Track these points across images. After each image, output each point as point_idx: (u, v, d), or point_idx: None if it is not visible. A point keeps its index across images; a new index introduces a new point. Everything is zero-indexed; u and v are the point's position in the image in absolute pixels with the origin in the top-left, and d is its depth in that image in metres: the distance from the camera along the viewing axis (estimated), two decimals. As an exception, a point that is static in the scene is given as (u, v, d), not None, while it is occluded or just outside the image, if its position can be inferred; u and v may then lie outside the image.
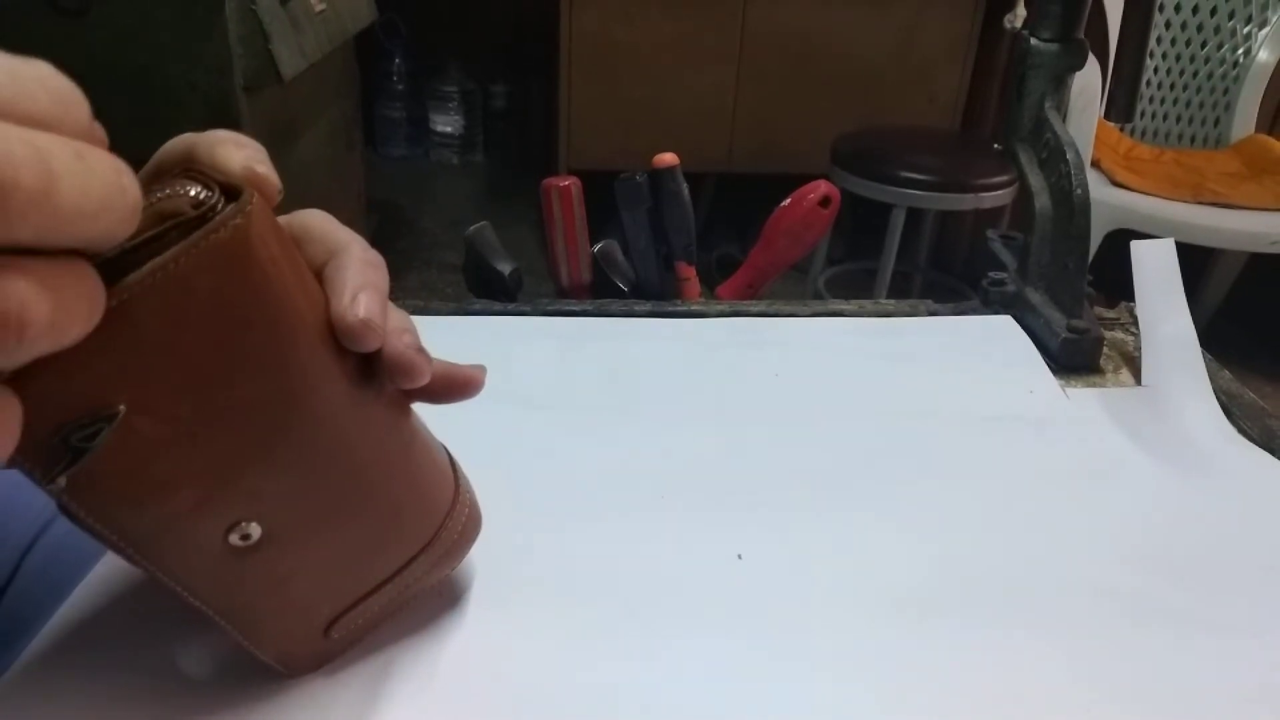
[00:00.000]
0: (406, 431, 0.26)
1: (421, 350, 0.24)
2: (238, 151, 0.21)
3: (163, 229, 0.19)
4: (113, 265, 0.18)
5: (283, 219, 0.24)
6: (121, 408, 0.19)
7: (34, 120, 0.15)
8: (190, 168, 0.21)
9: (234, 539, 0.22)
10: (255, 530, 0.23)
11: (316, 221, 0.25)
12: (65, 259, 0.15)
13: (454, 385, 0.27)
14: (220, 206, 0.19)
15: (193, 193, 0.19)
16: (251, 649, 0.25)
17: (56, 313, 0.15)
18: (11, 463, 0.18)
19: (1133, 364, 0.47)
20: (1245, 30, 1.78)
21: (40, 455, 0.18)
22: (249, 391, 0.21)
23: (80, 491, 0.19)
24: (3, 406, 0.16)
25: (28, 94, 0.15)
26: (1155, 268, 0.47)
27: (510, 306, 0.51)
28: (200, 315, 0.19)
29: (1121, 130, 1.80)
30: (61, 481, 0.19)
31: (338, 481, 0.24)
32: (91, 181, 0.15)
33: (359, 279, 0.23)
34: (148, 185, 0.20)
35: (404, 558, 0.27)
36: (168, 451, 0.20)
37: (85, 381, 0.18)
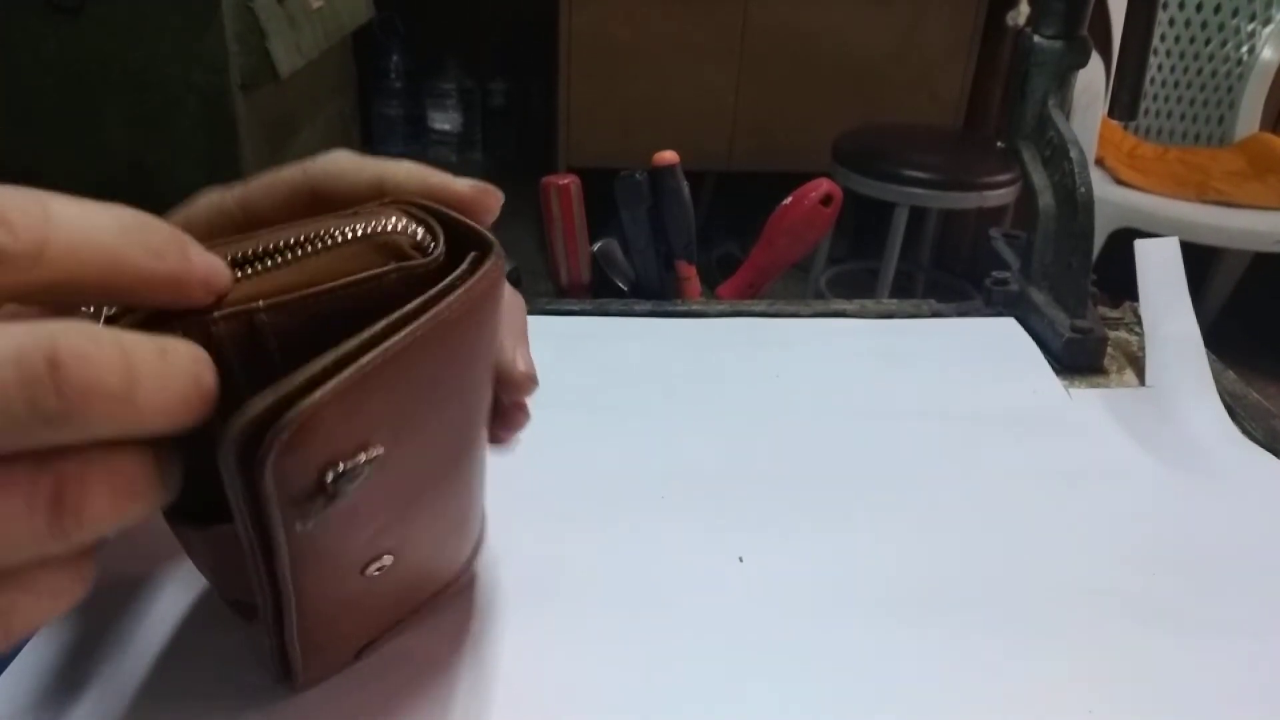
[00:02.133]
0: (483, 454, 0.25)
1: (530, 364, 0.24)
2: (456, 180, 0.22)
3: (385, 270, 0.19)
4: (337, 299, 0.18)
5: (310, 165, 0.23)
6: (381, 449, 0.18)
7: (141, 276, 0.16)
8: (396, 200, 0.21)
9: (371, 570, 0.22)
10: (389, 561, 0.22)
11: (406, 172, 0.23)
12: (127, 450, 0.16)
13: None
14: (436, 246, 0.19)
15: (412, 229, 0.19)
16: (289, 660, 0.23)
17: (117, 502, 0.16)
18: (253, 510, 0.18)
19: (1137, 364, 0.47)
20: (1249, 28, 1.77)
21: (295, 501, 0.18)
22: (452, 421, 0.21)
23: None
24: (76, 575, 0.16)
25: (131, 263, 0.16)
26: (1159, 267, 0.47)
27: (508, 306, 0.50)
28: (450, 353, 0.19)
29: (1125, 128, 1.80)
30: (310, 525, 0.18)
31: (454, 512, 0.24)
32: (172, 381, 0.16)
33: (513, 327, 0.24)
34: (314, 202, 0.20)
35: (442, 584, 0.27)
36: (381, 485, 0.19)
37: (358, 425, 0.18)
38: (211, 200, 0.22)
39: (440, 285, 0.18)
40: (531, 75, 2.47)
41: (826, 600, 0.31)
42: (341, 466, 0.18)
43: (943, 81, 2.08)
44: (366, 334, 0.17)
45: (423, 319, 0.18)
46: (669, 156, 0.51)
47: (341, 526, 0.20)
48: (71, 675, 0.27)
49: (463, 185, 0.21)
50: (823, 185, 0.54)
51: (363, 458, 0.18)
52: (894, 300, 0.53)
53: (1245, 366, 1.64)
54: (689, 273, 0.53)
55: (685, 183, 0.51)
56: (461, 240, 0.20)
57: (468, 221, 0.20)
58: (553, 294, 0.54)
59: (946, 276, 2.02)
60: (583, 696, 0.27)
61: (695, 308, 0.51)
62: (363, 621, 0.25)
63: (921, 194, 1.66)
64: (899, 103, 2.06)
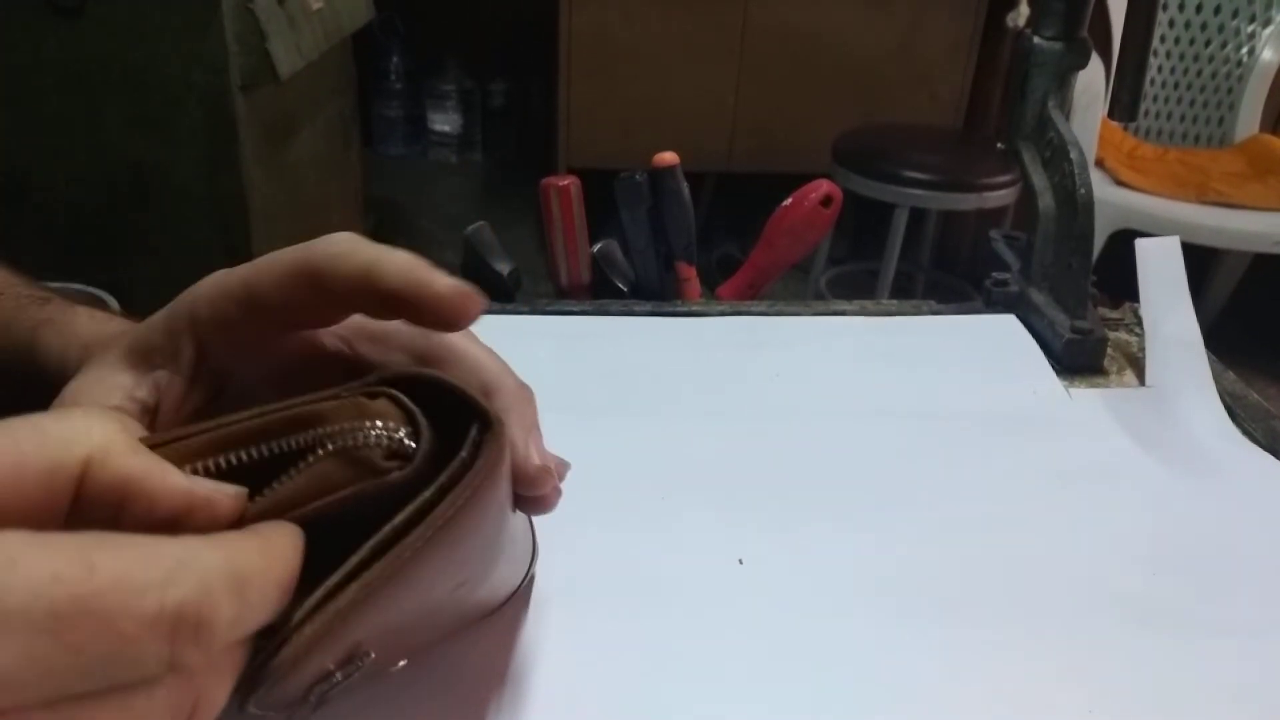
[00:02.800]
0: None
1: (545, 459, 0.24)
2: (438, 280, 0.20)
3: (361, 488, 0.18)
4: (319, 519, 0.17)
5: (312, 247, 0.21)
6: (372, 654, 0.18)
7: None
8: (383, 377, 0.20)
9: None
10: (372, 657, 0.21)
11: (464, 346, 0.24)
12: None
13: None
14: (419, 445, 0.18)
15: (391, 434, 0.18)
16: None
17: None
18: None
19: (1137, 365, 0.47)
20: (1249, 29, 1.77)
21: (285, 708, 0.18)
22: (458, 580, 0.21)
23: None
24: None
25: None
26: (1160, 267, 0.47)
27: (509, 307, 0.50)
28: (451, 546, 0.19)
29: (1125, 129, 1.80)
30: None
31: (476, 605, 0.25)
32: (273, 573, 0.16)
33: (522, 419, 0.23)
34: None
35: (489, 608, 0.28)
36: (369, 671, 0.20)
37: (349, 641, 0.18)
38: (217, 280, 0.22)
39: (433, 486, 0.18)
40: (531, 76, 2.47)
41: (826, 601, 0.31)
42: (331, 681, 0.18)
43: (943, 82, 2.08)
44: (352, 562, 0.17)
45: (412, 536, 0.17)
46: (669, 157, 0.51)
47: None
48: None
49: (443, 286, 0.20)
50: (822, 186, 0.54)
51: (355, 668, 0.18)
52: (894, 301, 0.53)
53: (1245, 367, 1.64)
54: (689, 273, 0.53)
55: (685, 183, 0.51)
56: (460, 410, 0.19)
57: (466, 393, 0.20)
58: (553, 295, 0.54)
59: (946, 277, 2.02)
60: (582, 696, 0.27)
61: (695, 308, 0.51)
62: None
63: (921, 195, 1.66)
64: (899, 103, 2.05)
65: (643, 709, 0.27)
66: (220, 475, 0.18)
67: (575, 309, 0.50)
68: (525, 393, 0.24)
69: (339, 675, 0.18)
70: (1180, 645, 0.29)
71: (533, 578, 0.30)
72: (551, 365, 0.45)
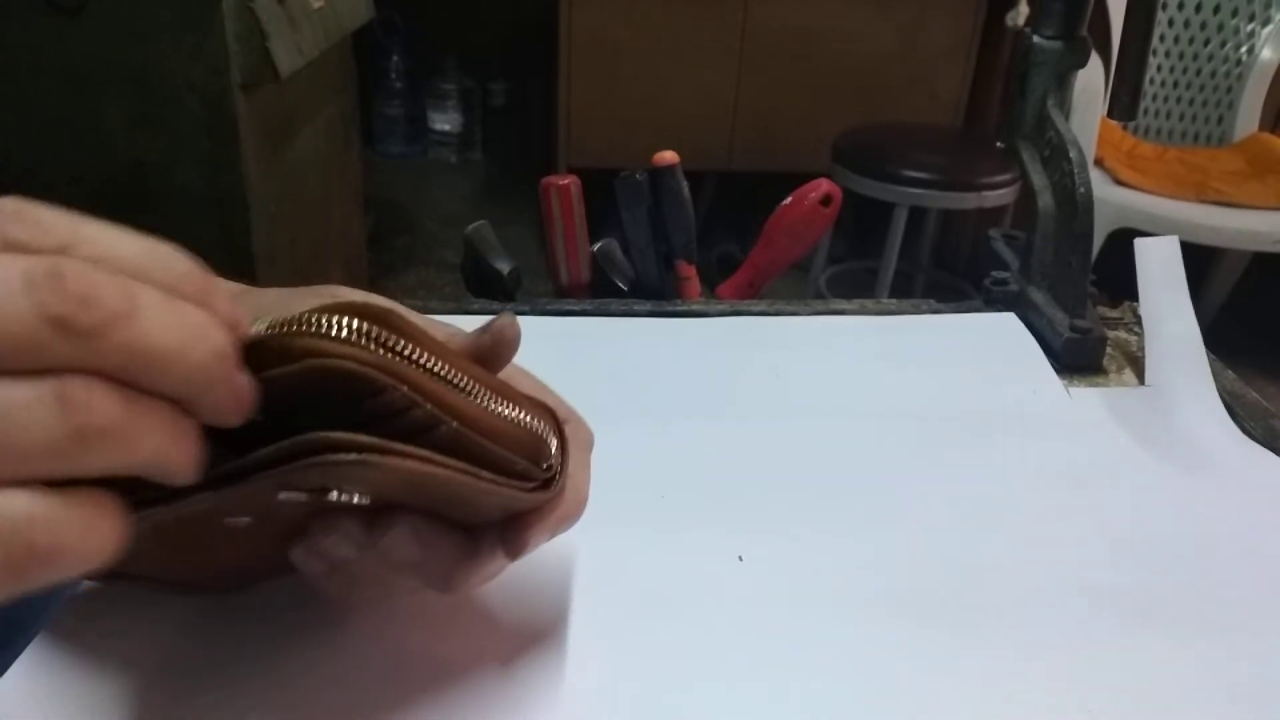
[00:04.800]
0: None
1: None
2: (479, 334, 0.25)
3: (520, 468, 0.22)
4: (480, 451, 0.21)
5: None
6: (358, 499, 0.22)
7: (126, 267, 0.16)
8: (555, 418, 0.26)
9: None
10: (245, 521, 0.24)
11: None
12: (91, 494, 0.16)
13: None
14: (555, 474, 0.25)
15: (554, 456, 0.25)
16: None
17: (129, 420, 0.15)
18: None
19: (1136, 364, 0.47)
20: (1248, 28, 1.77)
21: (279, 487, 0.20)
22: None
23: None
24: (104, 511, 0.16)
25: (163, 267, 0.16)
26: (1159, 266, 0.47)
27: (509, 306, 0.50)
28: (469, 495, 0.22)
29: (1124, 129, 1.80)
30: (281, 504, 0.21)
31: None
32: (175, 319, 0.16)
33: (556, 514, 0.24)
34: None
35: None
36: None
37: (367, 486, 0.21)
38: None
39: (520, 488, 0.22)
40: (532, 75, 2.47)
41: (826, 598, 0.31)
42: (330, 496, 0.21)
43: (942, 82, 2.08)
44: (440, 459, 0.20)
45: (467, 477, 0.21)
46: (669, 156, 0.51)
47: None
48: (72, 675, 0.27)
49: (485, 335, 0.24)
50: (822, 185, 0.54)
51: (349, 499, 0.21)
52: (893, 300, 0.53)
53: (1244, 366, 1.64)
54: (689, 272, 0.53)
55: (685, 183, 0.51)
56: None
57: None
58: (553, 293, 0.54)
59: (946, 276, 2.02)
60: (582, 695, 0.27)
61: (695, 307, 0.51)
62: (188, 557, 0.26)
63: (921, 194, 1.66)
64: (899, 103, 2.05)
65: (642, 705, 0.27)
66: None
67: (575, 308, 0.50)
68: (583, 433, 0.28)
69: (338, 501, 0.21)
70: (1179, 644, 0.29)
71: None
72: (551, 364, 0.45)
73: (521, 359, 0.47)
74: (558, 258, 0.53)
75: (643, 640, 0.29)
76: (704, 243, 0.53)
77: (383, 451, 0.19)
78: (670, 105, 2.05)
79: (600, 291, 0.53)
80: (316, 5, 1.26)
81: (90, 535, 0.15)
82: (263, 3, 1.07)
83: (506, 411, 0.23)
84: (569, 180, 0.52)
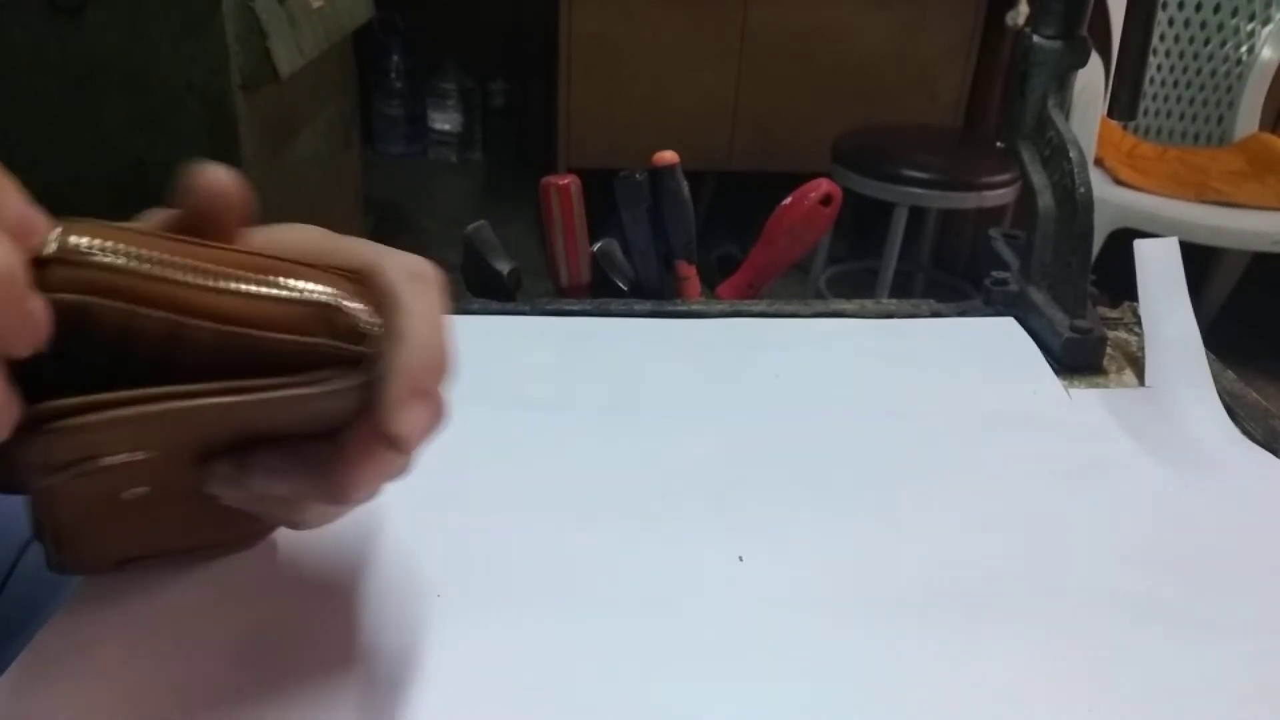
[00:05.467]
0: None
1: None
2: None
3: (315, 342, 0.20)
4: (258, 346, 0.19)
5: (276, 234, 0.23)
6: (141, 454, 0.20)
7: None
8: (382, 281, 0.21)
9: (127, 495, 0.23)
10: (143, 491, 0.23)
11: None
12: None
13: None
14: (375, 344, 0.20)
15: (368, 321, 0.21)
16: (45, 543, 0.25)
17: None
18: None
19: (1136, 364, 0.47)
20: (1249, 28, 1.77)
21: (46, 470, 0.19)
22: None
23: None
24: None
25: None
26: (1159, 267, 0.47)
27: (509, 306, 0.50)
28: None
29: (1125, 128, 1.80)
30: (57, 481, 0.20)
31: None
32: None
33: (415, 372, 0.20)
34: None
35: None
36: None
37: (132, 441, 0.19)
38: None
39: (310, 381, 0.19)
40: (532, 75, 2.47)
41: (826, 599, 0.31)
42: (101, 462, 0.19)
43: (942, 82, 2.08)
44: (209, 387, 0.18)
45: (251, 396, 0.19)
46: (669, 157, 0.51)
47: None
48: (71, 675, 0.27)
49: (191, 197, 0.21)
50: (822, 185, 0.54)
51: (122, 458, 0.19)
52: (893, 300, 0.53)
53: (1244, 366, 1.65)
54: (689, 273, 0.53)
55: (685, 183, 0.51)
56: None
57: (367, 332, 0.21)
58: (553, 294, 0.54)
59: (946, 276, 2.02)
60: (582, 694, 0.27)
61: (695, 308, 0.51)
62: (123, 535, 0.26)
63: (921, 194, 1.66)
64: (898, 103, 2.06)
65: (642, 705, 0.27)
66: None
67: (575, 308, 0.50)
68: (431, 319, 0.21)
69: (108, 462, 0.19)
70: (1180, 644, 0.29)
71: None
72: (552, 364, 0.45)
73: (521, 359, 0.47)
74: (558, 258, 0.53)
75: (642, 640, 0.29)
76: (704, 243, 0.53)
77: (91, 409, 0.17)
78: (670, 105, 2.05)
79: (600, 292, 0.53)
80: (316, 5, 1.26)
81: None
82: (263, 3, 1.07)
83: (271, 291, 0.19)
84: (569, 180, 0.52)
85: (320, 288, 0.20)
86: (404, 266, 0.21)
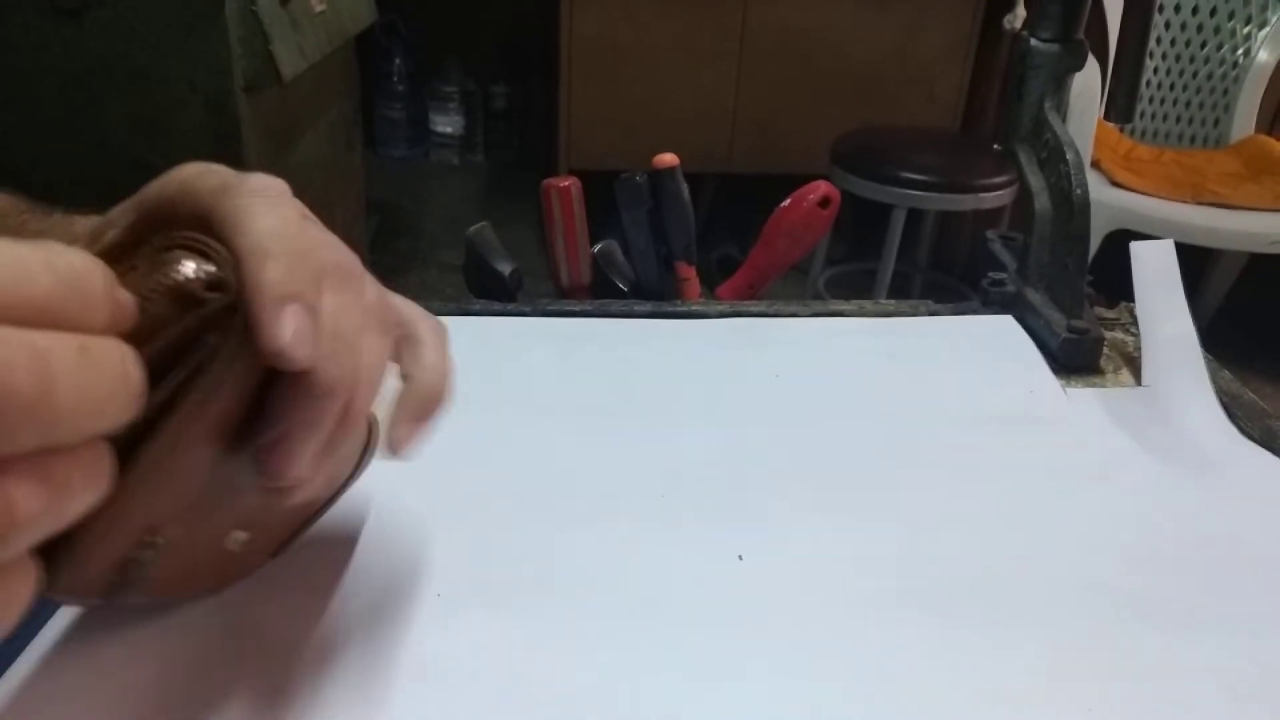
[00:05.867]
0: None
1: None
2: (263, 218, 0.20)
3: (185, 323, 0.19)
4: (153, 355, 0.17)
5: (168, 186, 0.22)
6: (161, 539, 0.19)
7: (35, 306, 0.14)
8: (186, 233, 0.20)
9: (230, 545, 0.24)
10: (243, 536, 0.24)
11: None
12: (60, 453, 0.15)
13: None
14: (227, 280, 0.19)
15: (205, 270, 0.19)
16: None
17: (53, 501, 0.15)
18: (63, 598, 0.18)
19: (1133, 364, 0.47)
20: (1245, 30, 1.78)
21: (95, 590, 0.19)
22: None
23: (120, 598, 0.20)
24: (22, 578, 0.16)
25: (29, 279, 0.14)
26: (1155, 268, 0.47)
27: (510, 307, 0.51)
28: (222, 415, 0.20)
29: (1121, 131, 1.80)
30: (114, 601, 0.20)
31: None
32: (93, 377, 0.15)
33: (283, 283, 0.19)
34: (145, 229, 0.19)
35: (335, 488, 0.28)
36: (185, 531, 0.21)
37: (136, 524, 0.19)
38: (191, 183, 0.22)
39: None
40: (533, 77, 2.47)
41: (825, 598, 0.31)
42: (137, 564, 0.19)
43: (940, 84, 2.08)
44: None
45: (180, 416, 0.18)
46: (669, 158, 0.51)
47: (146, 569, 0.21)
48: (71, 675, 0.27)
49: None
50: (821, 187, 0.54)
51: (151, 548, 0.19)
52: (892, 301, 0.53)
53: (1241, 367, 1.65)
54: (689, 274, 0.54)
55: (685, 184, 0.52)
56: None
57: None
58: (554, 295, 0.54)
59: (944, 278, 2.02)
60: (581, 693, 0.27)
61: (695, 308, 0.51)
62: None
63: (919, 196, 1.66)
64: (897, 105, 2.06)
65: (642, 704, 0.27)
66: None
67: (576, 309, 0.51)
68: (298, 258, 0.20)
69: (142, 556, 0.19)
70: (1178, 643, 0.30)
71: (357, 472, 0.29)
72: (552, 365, 0.45)
73: (523, 360, 0.47)
74: (558, 259, 0.53)
75: (642, 639, 0.29)
76: (704, 244, 0.53)
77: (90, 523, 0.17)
78: (670, 107, 2.05)
79: (601, 293, 0.53)
80: (319, 8, 1.26)
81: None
82: (265, 6, 1.08)
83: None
84: (570, 182, 0.52)
85: (144, 288, 0.19)
86: (248, 188, 0.21)
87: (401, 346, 0.26)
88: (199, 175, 0.22)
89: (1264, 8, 1.74)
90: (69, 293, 0.15)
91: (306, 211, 0.22)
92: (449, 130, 2.56)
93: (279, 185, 0.22)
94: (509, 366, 0.44)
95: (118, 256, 0.20)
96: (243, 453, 0.21)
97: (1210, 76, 1.81)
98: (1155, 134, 1.88)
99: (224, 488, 0.22)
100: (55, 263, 0.15)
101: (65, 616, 0.28)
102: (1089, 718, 0.27)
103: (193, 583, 0.26)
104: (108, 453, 0.16)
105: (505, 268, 0.51)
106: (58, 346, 0.14)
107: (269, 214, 0.20)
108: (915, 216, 1.80)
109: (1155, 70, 1.85)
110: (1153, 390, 0.44)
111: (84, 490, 0.15)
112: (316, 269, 0.20)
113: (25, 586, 0.16)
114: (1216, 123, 1.82)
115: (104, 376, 0.15)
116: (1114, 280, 0.55)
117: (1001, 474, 0.38)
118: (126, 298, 0.17)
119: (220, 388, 0.19)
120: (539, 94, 2.45)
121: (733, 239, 1.92)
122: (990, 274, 0.53)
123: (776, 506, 0.35)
